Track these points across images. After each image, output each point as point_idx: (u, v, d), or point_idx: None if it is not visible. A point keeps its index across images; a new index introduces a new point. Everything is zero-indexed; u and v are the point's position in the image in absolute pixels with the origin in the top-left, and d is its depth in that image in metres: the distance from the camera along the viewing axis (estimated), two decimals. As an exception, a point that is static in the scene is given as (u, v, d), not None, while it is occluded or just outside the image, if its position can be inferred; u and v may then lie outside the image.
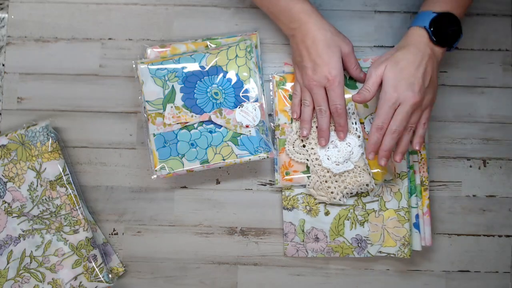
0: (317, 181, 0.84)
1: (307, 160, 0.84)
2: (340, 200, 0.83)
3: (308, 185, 0.84)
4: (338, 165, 0.82)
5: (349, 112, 0.84)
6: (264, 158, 0.82)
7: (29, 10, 0.89)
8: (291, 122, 0.85)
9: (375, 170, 0.83)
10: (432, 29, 0.77)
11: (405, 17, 0.89)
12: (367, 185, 0.83)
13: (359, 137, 0.83)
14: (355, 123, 0.83)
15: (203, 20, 0.89)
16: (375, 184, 0.84)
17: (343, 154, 0.82)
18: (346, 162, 0.82)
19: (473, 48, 0.89)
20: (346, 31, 0.89)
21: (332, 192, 0.83)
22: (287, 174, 0.85)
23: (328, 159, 0.83)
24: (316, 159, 0.84)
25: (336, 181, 0.83)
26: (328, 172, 0.83)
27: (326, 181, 0.83)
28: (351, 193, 0.84)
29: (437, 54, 0.78)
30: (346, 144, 0.83)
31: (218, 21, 0.89)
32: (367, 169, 0.83)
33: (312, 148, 0.84)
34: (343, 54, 0.80)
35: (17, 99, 0.88)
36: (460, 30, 0.78)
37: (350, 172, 0.83)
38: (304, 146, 0.84)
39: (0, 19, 0.89)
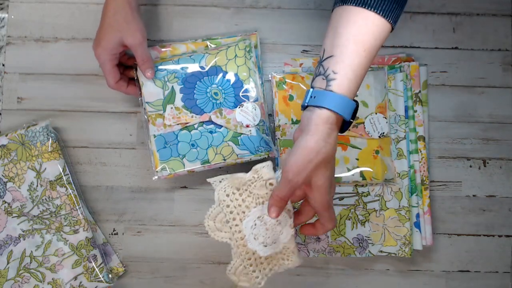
0: (241, 265, 0.70)
1: (230, 239, 0.70)
2: (259, 283, 0.70)
3: (229, 270, 0.70)
4: (266, 246, 0.68)
5: (279, 182, 0.67)
6: (265, 157, 0.82)
7: (29, 10, 0.89)
8: (292, 123, 0.85)
9: (366, 169, 0.83)
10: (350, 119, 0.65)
11: (405, 17, 0.89)
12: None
13: (289, 211, 0.69)
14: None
15: (203, 20, 0.89)
16: (376, 184, 0.84)
17: (271, 233, 0.68)
18: (275, 243, 0.68)
19: (473, 48, 0.89)
20: (346, 31, 0.89)
21: (257, 277, 0.70)
22: (288, 174, 0.84)
23: (255, 238, 0.68)
24: (241, 238, 0.69)
25: (261, 263, 0.70)
26: (254, 254, 0.69)
27: (251, 265, 0.69)
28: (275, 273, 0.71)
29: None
30: (276, 221, 0.68)
31: (218, 21, 0.89)
32: (297, 250, 0.71)
33: (237, 225, 0.69)
34: (129, 45, 0.78)
35: (17, 99, 0.88)
36: None
37: (278, 253, 0.70)
38: (227, 221, 0.69)
39: (0, 19, 0.89)
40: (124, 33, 0.77)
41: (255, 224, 0.68)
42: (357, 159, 0.84)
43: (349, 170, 0.84)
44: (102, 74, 0.81)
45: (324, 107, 0.63)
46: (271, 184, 0.69)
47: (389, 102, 0.85)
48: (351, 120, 0.66)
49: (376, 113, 0.84)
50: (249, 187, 0.70)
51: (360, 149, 0.84)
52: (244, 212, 0.69)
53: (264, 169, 0.69)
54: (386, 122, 0.84)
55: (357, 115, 0.83)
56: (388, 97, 0.85)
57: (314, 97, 0.65)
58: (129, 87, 0.83)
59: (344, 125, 0.66)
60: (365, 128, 0.84)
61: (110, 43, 0.77)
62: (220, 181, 0.71)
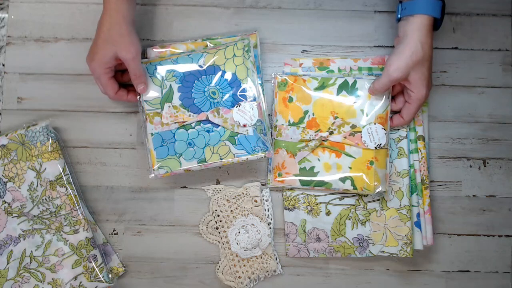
0: (226, 265, 0.85)
1: (219, 242, 0.86)
2: (247, 285, 0.85)
3: (218, 269, 0.86)
4: (246, 250, 0.84)
5: (263, 199, 0.86)
6: (262, 157, 0.81)
7: (29, 10, 0.89)
8: (289, 124, 0.85)
9: (356, 175, 0.83)
10: (440, 17, 0.79)
11: (405, 17, 0.89)
12: (274, 271, 0.85)
13: (269, 224, 0.85)
14: (268, 210, 0.85)
15: (203, 20, 0.89)
16: (369, 194, 0.84)
17: (252, 240, 0.84)
18: (255, 248, 0.84)
19: (473, 48, 0.89)
20: (346, 31, 0.89)
21: (239, 277, 0.85)
22: (279, 175, 0.85)
23: (237, 243, 0.84)
24: (227, 242, 0.85)
25: (244, 266, 0.85)
26: (236, 256, 0.85)
27: (234, 265, 0.85)
28: (259, 278, 0.86)
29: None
30: (257, 231, 0.84)
31: (218, 21, 0.89)
32: (274, 255, 0.85)
33: (224, 231, 0.85)
34: (122, 59, 0.79)
35: (17, 99, 0.88)
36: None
37: (258, 258, 0.85)
38: (217, 228, 0.86)
39: (0, 19, 0.89)
40: (118, 47, 0.78)
41: (239, 232, 0.85)
42: (349, 168, 0.83)
43: (340, 178, 0.83)
44: (102, 90, 0.81)
45: (416, 14, 0.78)
46: (255, 201, 0.85)
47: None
48: (442, 17, 0.80)
49: (374, 123, 0.83)
50: (238, 201, 0.85)
51: (354, 158, 0.83)
52: (231, 221, 0.85)
53: (252, 188, 0.86)
54: (385, 134, 0.82)
55: (355, 123, 0.83)
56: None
57: (405, 8, 0.80)
58: (129, 95, 0.84)
59: (436, 22, 0.80)
60: (361, 137, 0.83)
61: (105, 57, 0.78)
62: (216, 192, 0.86)
